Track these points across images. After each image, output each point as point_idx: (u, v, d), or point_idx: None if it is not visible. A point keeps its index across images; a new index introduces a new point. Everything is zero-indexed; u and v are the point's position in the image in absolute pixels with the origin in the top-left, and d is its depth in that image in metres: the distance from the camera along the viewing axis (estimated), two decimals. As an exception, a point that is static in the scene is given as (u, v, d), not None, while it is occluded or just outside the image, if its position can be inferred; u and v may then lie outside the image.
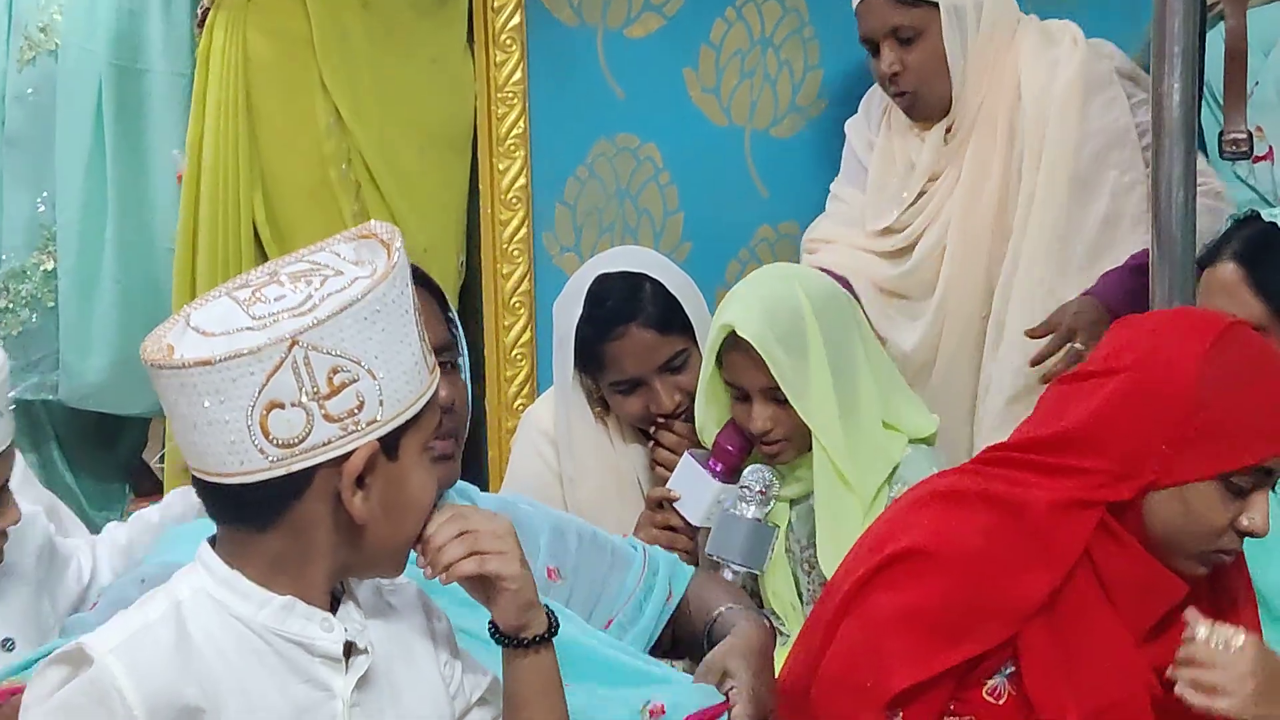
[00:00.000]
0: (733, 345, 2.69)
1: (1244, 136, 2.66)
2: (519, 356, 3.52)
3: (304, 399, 1.60)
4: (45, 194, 3.57)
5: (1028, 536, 1.89)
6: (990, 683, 1.88)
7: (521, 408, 3.44)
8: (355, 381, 1.62)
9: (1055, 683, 1.86)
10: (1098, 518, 1.89)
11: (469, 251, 3.54)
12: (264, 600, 1.67)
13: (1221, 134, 2.69)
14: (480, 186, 3.48)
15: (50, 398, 3.64)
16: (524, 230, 3.50)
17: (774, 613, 2.78)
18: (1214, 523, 1.88)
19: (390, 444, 1.66)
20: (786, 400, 2.66)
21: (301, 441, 1.62)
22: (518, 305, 3.52)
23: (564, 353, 2.97)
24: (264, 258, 3.34)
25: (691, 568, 2.37)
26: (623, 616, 2.27)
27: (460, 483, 2.22)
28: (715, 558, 2.70)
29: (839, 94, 3.65)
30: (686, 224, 3.60)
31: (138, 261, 3.49)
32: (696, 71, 3.59)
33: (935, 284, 3.27)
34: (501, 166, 3.48)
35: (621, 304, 2.91)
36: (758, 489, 2.68)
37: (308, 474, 1.64)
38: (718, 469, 2.79)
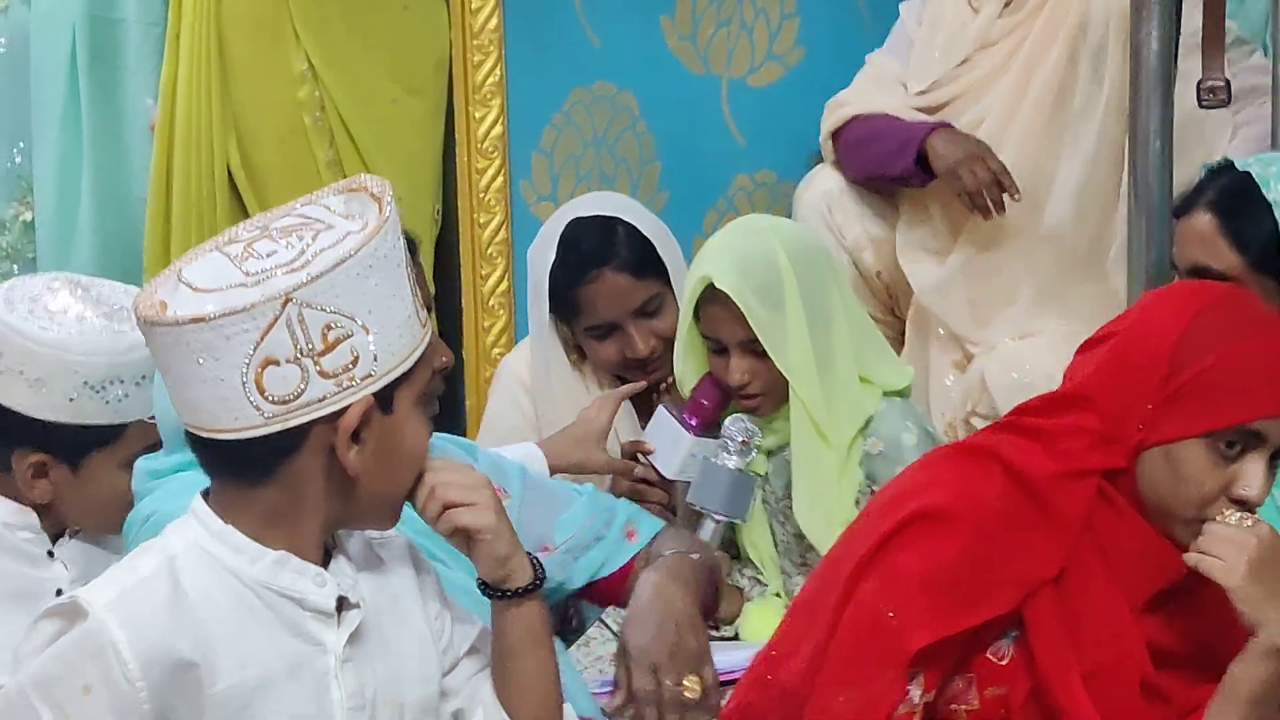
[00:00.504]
0: (710, 298, 2.69)
1: (1221, 84, 2.66)
2: (496, 306, 3.52)
3: (299, 355, 1.60)
4: (21, 145, 3.53)
5: (1037, 507, 1.90)
6: (995, 644, 1.89)
7: (499, 356, 3.44)
8: (350, 337, 1.62)
9: (1060, 647, 1.87)
10: (1095, 486, 1.90)
11: (445, 201, 3.53)
12: (257, 555, 1.67)
13: (1200, 82, 2.68)
14: (456, 135, 3.47)
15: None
16: (500, 179, 3.50)
17: (751, 563, 2.79)
18: (1203, 485, 1.88)
19: (385, 398, 1.66)
20: (763, 353, 2.66)
21: (297, 398, 1.61)
22: (495, 255, 3.52)
23: (539, 298, 2.97)
24: (238, 202, 3.35)
25: (661, 521, 2.35)
26: (568, 544, 2.24)
27: None
28: (697, 507, 2.70)
29: (816, 42, 3.66)
30: (664, 173, 3.60)
31: (114, 211, 3.46)
32: (673, 19, 3.58)
33: None
34: (478, 115, 3.47)
35: (595, 248, 2.91)
36: (740, 439, 2.69)
37: (303, 429, 1.63)
38: (692, 422, 2.79)
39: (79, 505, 2.26)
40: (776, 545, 2.78)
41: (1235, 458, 1.89)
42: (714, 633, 2.76)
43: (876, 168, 3.34)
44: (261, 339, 1.59)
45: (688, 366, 2.79)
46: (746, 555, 2.80)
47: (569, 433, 2.84)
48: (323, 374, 1.61)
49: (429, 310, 1.81)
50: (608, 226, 2.93)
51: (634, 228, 2.92)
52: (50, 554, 2.31)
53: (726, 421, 2.72)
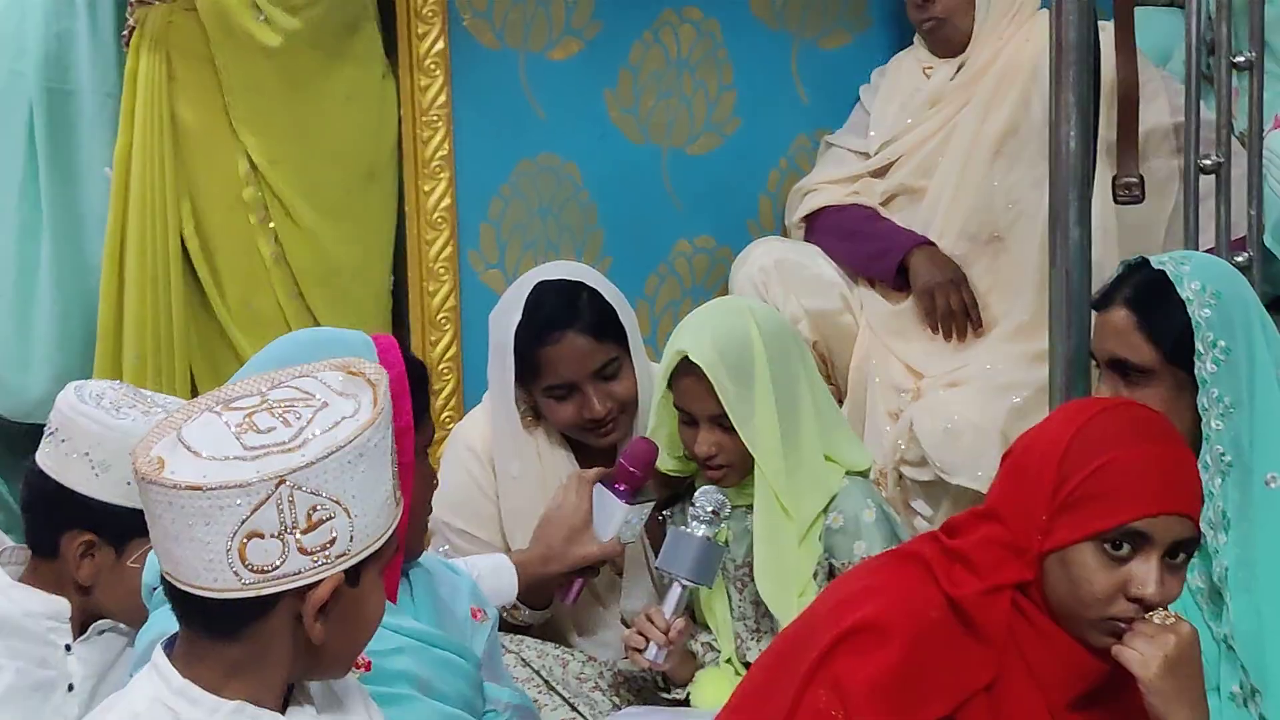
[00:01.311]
0: (684, 371, 2.83)
1: (1136, 181, 2.80)
2: (445, 371, 3.63)
3: (283, 532, 1.70)
4: None
5: (965, 624, 2.03)
6: None
7: (449, 420, 3.55)
8: (331, 519, 1.72)
9: None
10: (1008, 599, 2.03)
11: (395, 270, 3.63)
12: (215, 706, 1.76)
13: (1115, 179, 2.83)
14: (406, 208, 3.58)
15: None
16: (449, 249, 3.61)
17: (706, 628, 2.92)
18: (1096, 586, 2.01)
19: (353, 573, 1.77)
20: (732, 427, 2.80)
21: (275, 569, 1.72)
22: (444, 321, 3.63)
23: (502, 359, 3.07)
24: (190, 268, 3.42)
25: None
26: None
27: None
28: (665, 573, 2.83)
29: (751, 112, 3.78)
30: (607, 239, 3.72)
31: (73, 279, 3.52)
32: (615, 92, 3.70)
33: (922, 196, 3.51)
34: (427, 188, 3.58)
35: (559, 310, 3.02)
36: (710, 509, 2.81)
37: (275, 597, 1.74)
38: (621, 489, 2.92)
39: (114, 589, 2.39)
40: (733, 611, 2.91)
41: (1126, 558, 2.02)
42: (665, 695, 2.91)
43: (853, 264, 3.53)
44: (251, 514, 1.69)
45: (659, 436, 2.92)
46: (703, 620, 2.92)
47: (555, 530, 2.92)
48: (302, 550, 1.71)
49: (426, 452, 1.90)
50: (572, 291, 3.04)
51: (597, 293, 3.04)
52: (68, 648, 2.42)
53: (698, 493, 2.84)
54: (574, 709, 2.91)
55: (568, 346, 3.00)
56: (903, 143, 3.57)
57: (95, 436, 2.37)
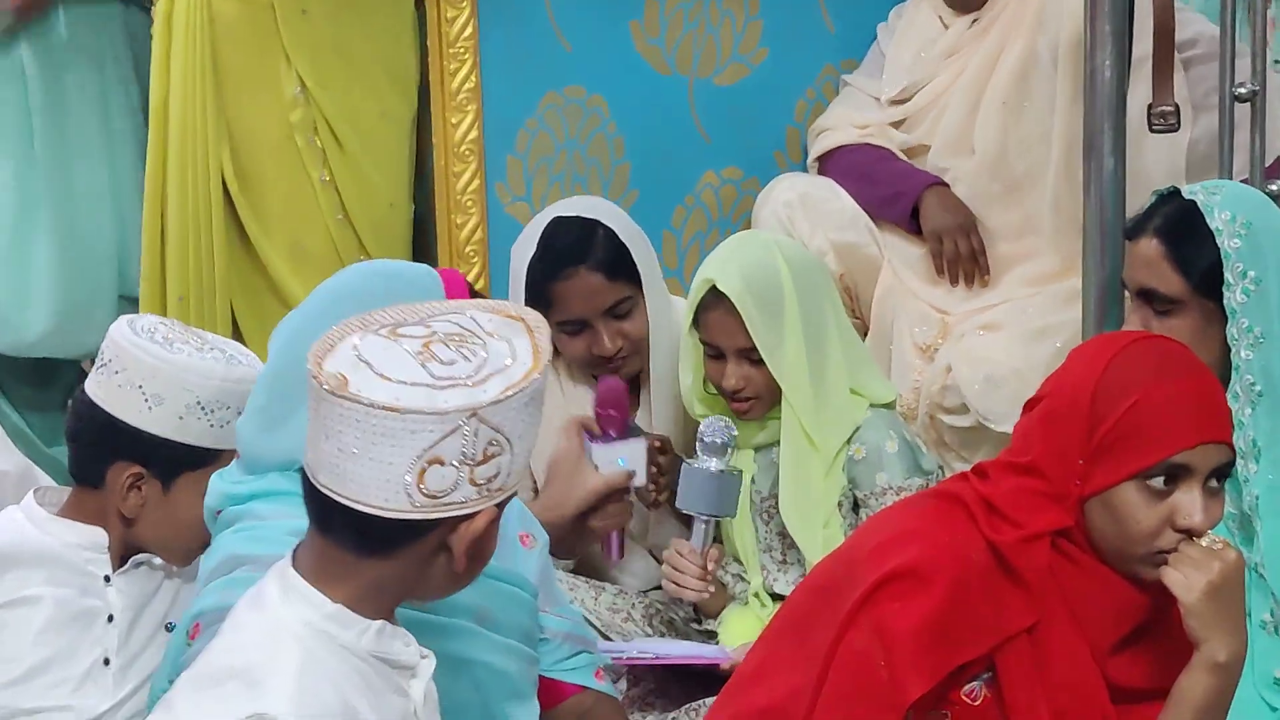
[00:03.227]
0: (711, 304, 2.83)
1: (1171, 110, 2.79)
2: (474, 304, 3.63)
3: (462, 462, 1.76)
4: None
5: (1006, 569, 2.04)
6: (968, 685, 2.04)
7: (478, 354, 3.55)
8: (500, 454, 1.78)
9: (1030, 691, 2.02)
10: (1048, 544, 2.04)
11: (423, 203, 3.63)
12: (365, 628, 1.83)
13: (1150, 107, 2.82)
14: (433, 140, 3.57)
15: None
16: (476, 182, 3.60)
17: (736, 559, 2.93)
18: (1142, 523, 2.02)
19: (500, 508, 1.84)
20: (759, 361, 2.81)
21: (445, 496, 1.77)
22: (472, 254, 3.63)
23: (516, 291, 3.08)
24: (233, 212, 3.44)
25: (603, 688, 2.39)
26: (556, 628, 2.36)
27: None
28: (686, 513, 2.84)
29: (779, 42, 3.75)
30: (634, 172, 3.71)
31: (68, 212, 3.53)
32: (641, 23, 3.68)
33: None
34: (454, 120, 3.57)
35: (573, 246, 3.02)
36: (718, 441, 2.82)
37: (434, 523, 1.79)
38: (612, 434, 2.92)
39: (158, 524, 2.40)
40: (759, 543, 2.93)
41: (1169, 492, 2.03)
42: (697, 626, 2.93)
43: (867, 205, 3.51)
44: (439, 441, 1.74)
45: (685, 372, 2.91)
46: (733, 552, 2.94)
47: (553, 477, 2.91)
48: (472, 481, 1.77)
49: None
50: (587, 227, 3.04)
51: (612, 231, 3.03)
52: (107, 579, 2.44)
53: (702, 425, 2.85)
54: (607, 640, 2.92)
55: (579, 283, 3.00)
56: (916, 101, 3.55)
57: (149, 369, 2.38)
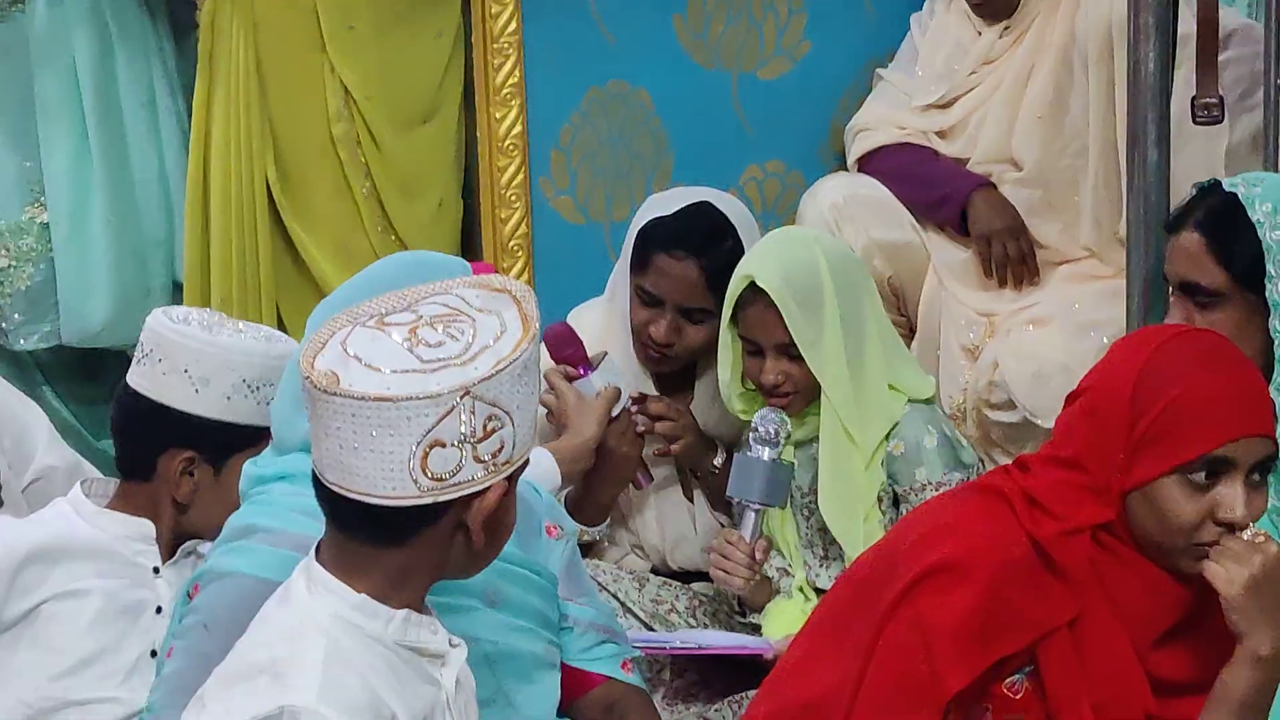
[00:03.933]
0: (750, 299, 2.84)
1: (1215, 101, 2.78)
2: (519, 297, 3.64)
3: (463, 441, 1.77)
4: (24, 151, 3.55)
5: (1047, 563, 2.04)
6: (1010, 679, 2.04)
7: (521, 347, 3.56)
8: (502, 428, 1.79)
9: (1072, 684, 2.02)
10: (1089, 538, 2.04)
11: (467, 197, 3.65)
12: (389, 617, 1.84)
13: (1194, 99, 2.80)
14: (478, 135, 3.59)
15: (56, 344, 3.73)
16: (520, 176, 3.62)
17: (780, 553, 2.94)
18: (1183, 517, 2.02)
19: (511, 481, 1.85)
20: (797, 356, 2.81)
21: (452, 477, 1.78)
22: (516, 248, 3.65)
23: (629, 237, 3.10)
24: (276, 215, 3.47)
25: (631, 679, 2.38)
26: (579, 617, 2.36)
27: None
28: (736, 500, 2.86)
29: (822, 35, 3.76)
30: (677, 166, 3.72)
31: (124, 201, 3.55)
32: (684, 17, 3.69)
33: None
34: (498, 115, 3.59)
35: (700, 236, 3.03)
36: (771, 431, 2.83)
37: (446, 505, 1.81)
38: (586, 372, 2.99)
39: (212, 508, 2.41)
40: (800, 539, 2.94)
41: (1210, 485, 2.03)
42: (741, 618, 2.94)
43: (913, 207, 3.50)
44: (437, 424, 1.75)
45: (725, 370, 2.92)
46: (776, 545, 2.94)
47: (569, 422, 2.96)
48: (477, 459, 1.78)
49: None
50: (721, 230, 3.04)
51: (740, 251, 3.00)
52: (156, 570, 2.47)
53: (757, 416, 2.86)
54: (651, 631, 2.94)
55: (680, 269, 3.01)
56: (954, 112, 3.52)
57: (194, 353, 2.41)
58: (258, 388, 2.41)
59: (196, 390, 2.41)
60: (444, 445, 1.76)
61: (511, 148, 3.61)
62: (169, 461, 2.44)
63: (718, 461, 3.06)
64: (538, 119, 3.61)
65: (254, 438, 2.39)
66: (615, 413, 2.99)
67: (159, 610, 2.45)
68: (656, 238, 3.03)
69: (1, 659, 2.39)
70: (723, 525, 3.07)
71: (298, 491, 2.11)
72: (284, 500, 2.14)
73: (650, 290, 3.03)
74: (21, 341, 3.59)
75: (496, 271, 2.25)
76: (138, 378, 2.46)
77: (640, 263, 3.05)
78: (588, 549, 3.09)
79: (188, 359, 2.41)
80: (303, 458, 2.12)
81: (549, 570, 2.24)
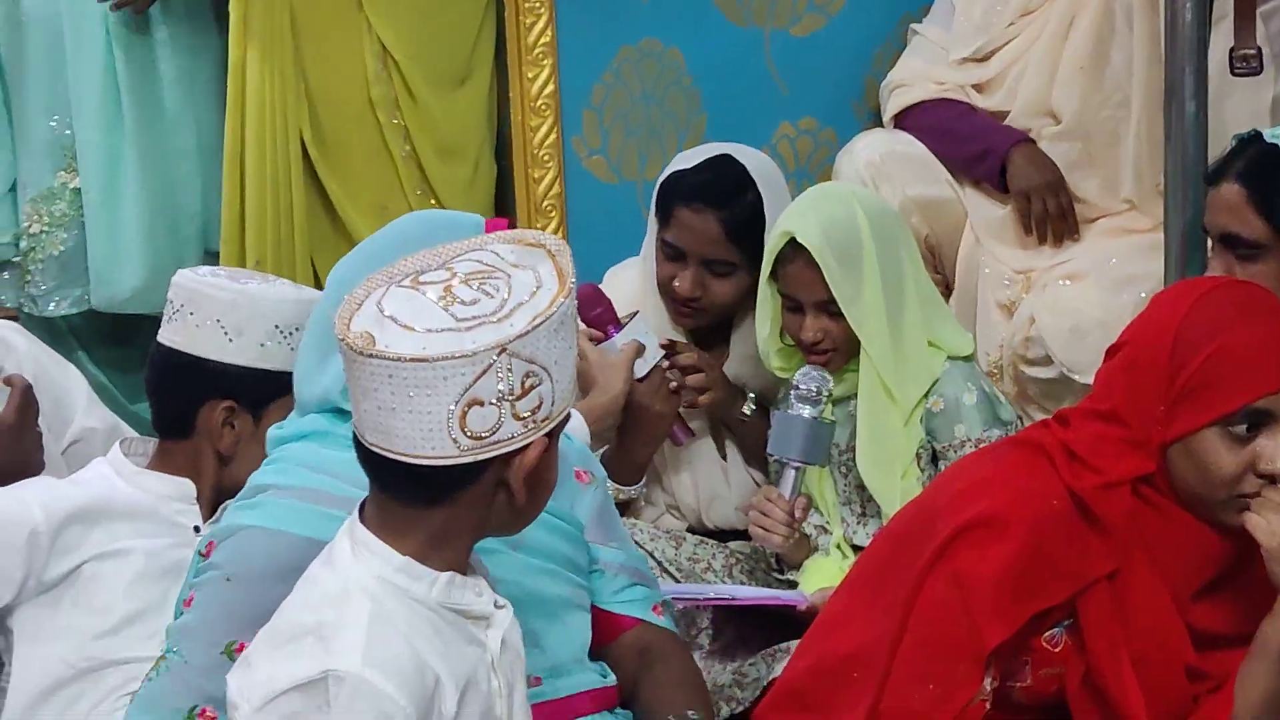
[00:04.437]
0: (790, 256, 2.83)
1: (1254, 53, 2.76)
2: (553, 257, 3.64)
3: (501, 399, 1.77)
4: (57, 117, 3.59)
5: (1086, 515, 2.03)
6: (1049, 633, 2.04)
7: (555, 309, 3.56)
8: (540, 385, 1.79)
9: (1111, 637, 2.02)
10: (1129, 490, 2.03)
11: (500, 158, 3.66)
12: (433, 580, 1.84)
13: (1232, 50, 2.78)
14: (510, 94, 3.59)
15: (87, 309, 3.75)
16: (553, 136, 3.62)
17: (818, 511, 2.94)
18: (1224, 469, 2.02)
19: (552, 437, 1.85)
20: (837, 314, 2.81)
21: (491, 435, 1.78)
22: (549, 208, 3.64)
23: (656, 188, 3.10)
24: (311, 177, 3.47)
25: (662, 623, 2.37)
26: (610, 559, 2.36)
27: None
28: (776, 458, 2.86)
29: (856, -9, 3.75)
30: (710, 124, 3.70)
31: (156, 170, 3.57)
32: (717, -26, 3.68)
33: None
34: (530, 75, 3.58)
35: (719, 188, 3.02)
36: (813, 390, 2.83)
37: (486, 463, 1.80)
38: (613, 333, 2.98)
39: (255, 459, 2.38)
40: (839, 496, 2.93)
41: (1251, 437, 2.02)
42: (779, 576, 2.94)
43: (951, 163, 3.47)
44: (474, 382, 1.75)
45: (763, 327, 2.91)
46: (814, 503, 2.94)
47: (594, 382, 2.96)
48: (515, 416, 1.78)
49: None
50: (742, 183, 3.03)
51: (761, 201, 3.01)
52: (197, 529, 2.48)
53: (798, 374, 2.86)
54: (686, 588, 2.94)
55: (700, 221, 3.00)
56: (993, 65, 3.50)
57: (225, 303, 2.43)
58: (290, 333, 2.43)
59: (230, 339, 2.42)
60: (482, 404, 1.76)
61: (544, 107, 3.60)
62: (209, 414, 2.45)
63: (746, 410, 3.05)
64: (570, 78, 3.60)
65: (290, 384, 2.38)
66: (647, 370, 2.99)
67: None
68: (677, 191, 3.03)
69: (44, 619, 2.40)
70: (757, 484, 3.07)
71: (309, 448, 2.14)
72: (293, 457, 2.16)
73: (673, 243, 3.03)
74: (53, 307, 3.62)
75: (510, 228, 2.23)
76: (170, 334, 2.47)
77: (663, 217, 3.05)
78: (624, 508, 3.09)
79: (219, 309, 2.43)
80: (319, 418, 2.18)
81: (571, 515, 2.24)
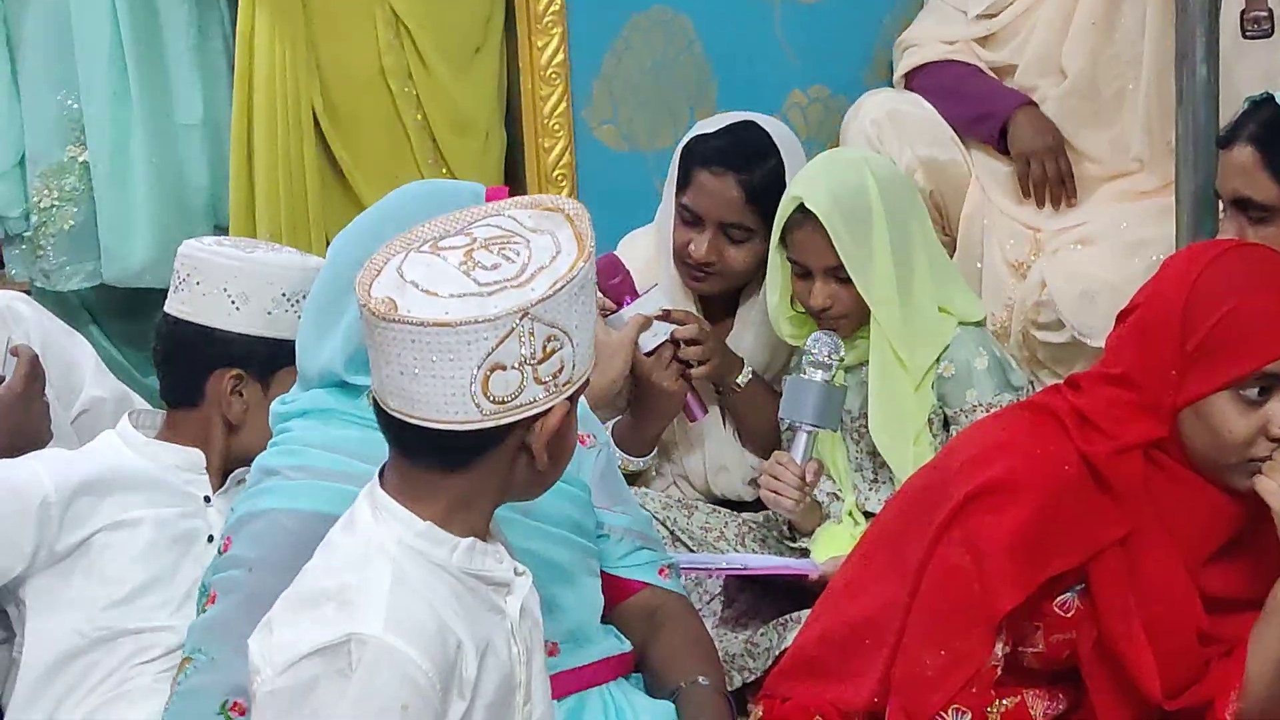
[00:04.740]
0: (799, 222, 2.83)
1: (1265, 15, 2.75)
2: (563, 228, 3.63)
3: (523, 363, 1.77)
4: (64, 90, 3.59)
5: (1099, 480, 2.03)
6: (1061, 597, 2.03)
7: (563, 279, 3.56)
8: (561, 349, 1.79)
9: (1123, 602, 2.02)
10: (1141, 455, 2.03)
11: (510, 127, 3.65)
12: (455, 545, 1.85)
13: (1243, 12, 2.77)
14: (520, 63, 3.58)
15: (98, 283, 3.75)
16: (563, 105, 3.61)
17: (829, 478, 2.94)
18: (1235, 433, 2.01)
19: (573, 401, 1.85)
20: (846, 279, 2.80)
21: (513, 400, 1.78)
22: (560, 178, 3.64)
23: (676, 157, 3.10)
24: (325, 147, 3.46)
25: (669, 585, 2.38)
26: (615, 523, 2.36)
27: None
28: (789, 422, 2.85)
29: (866, -42, 3.74)
30: (720, 92, 3.69)
31: (164, 142, 3.57)
32: (727, -58, 3.67)
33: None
34: (540, 43, 3.58)
35: (739, 153, 3.02)
36: (824, 354, 2.82)
37: (508, 427, 1.81)
38: (628, 301, 2.99)
39: (263, 428, 2.38)
40: (850, 463, 2.93)
41: (1262, 402, 2.01)
42: (791, 543, 2.94)
43: (955, 123, 3.47)
44: (496, 347, 1.76)
45: (774, 294, 2.90)
46: (826, 469, 2.94)
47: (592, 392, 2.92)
48: (537, 380, 1.79)
49: None
50: (763, 148, 3.04)
51: (781, 169, 3.01)
52: (207, 499, 2.48)
53: (810, 339, 2.86)
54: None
55: (720, 186, 3.01)
56: (1003, 18, 3.50)
57: (231, 270, 2.43)
58: (296, 300, 2.42)
59: (237, 307, 2.42)
60: (504, 368, 1.76)
61: (554, 76, 3.59)
62: (217, 383, 2.45)
63: (741, 380, 3.05)
64: (579, 47, 3.59)
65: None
66: (655, 345, 2.98)
67: (210, 539, 2.46)
68: (699, 154, 3.03)
69: (56, 589, 2.40)
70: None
71: (313, 426, 2.14)
72: (299, 437, 2.16)
73: (691, 207, 3.02)
74: (65, 281, 3.62)
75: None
76: (177, 304, 2.47)
77: (683, 180, 3.05)
78: (634, 478, 3.09)
79: (226, 277, 2.43)
80: (323, 394, 2.18)
81: (578, 479, 2.24)
